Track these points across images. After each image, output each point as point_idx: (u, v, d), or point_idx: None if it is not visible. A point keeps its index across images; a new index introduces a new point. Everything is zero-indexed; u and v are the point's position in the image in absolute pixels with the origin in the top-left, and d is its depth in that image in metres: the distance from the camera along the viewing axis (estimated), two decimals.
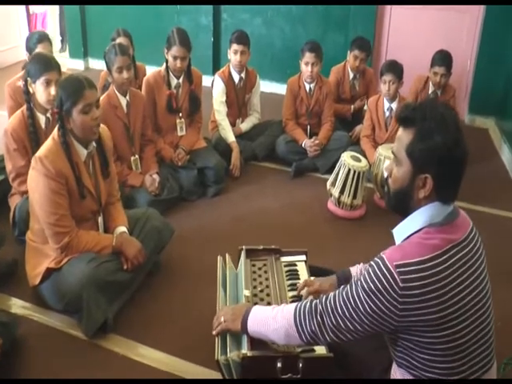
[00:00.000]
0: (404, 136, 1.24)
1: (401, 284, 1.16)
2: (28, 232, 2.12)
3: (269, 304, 1.70)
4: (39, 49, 2.82)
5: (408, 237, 1.26)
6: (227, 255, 1.98)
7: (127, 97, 2.75)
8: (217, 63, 4.82)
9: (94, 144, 2.03)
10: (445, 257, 1.20)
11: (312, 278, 1.81)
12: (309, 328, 1.32)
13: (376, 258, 1.24)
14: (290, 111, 3.42)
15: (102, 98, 2.72)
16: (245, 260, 1.92)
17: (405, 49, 4.29)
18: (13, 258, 2.31)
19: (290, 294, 1.79)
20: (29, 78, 2.30)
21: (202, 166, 3.06)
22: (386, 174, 1.33)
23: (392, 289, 1.17)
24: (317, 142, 3.29)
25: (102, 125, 2.18)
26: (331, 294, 1.32)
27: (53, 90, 2.29)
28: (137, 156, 2.90)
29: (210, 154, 3.13)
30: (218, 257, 1.94)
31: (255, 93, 3.54)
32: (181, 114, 3.08)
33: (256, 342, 1.49)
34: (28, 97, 2.33)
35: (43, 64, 2.29)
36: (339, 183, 2.82)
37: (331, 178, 2.91)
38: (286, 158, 3.38)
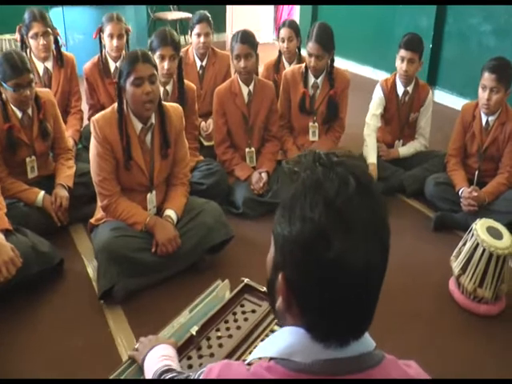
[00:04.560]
0: None
1: None
2: None
3: (211, 356, 1.45)
4: (197, 29, 3.05)
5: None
6: (227, 281, 1.76)
7: (251, 86, 2.71)
8: (433, 73, 4.22)
9: (152, 121, 2.08)
10: None
11: None
12: None
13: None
14: (456, 145, 2.73)
15: (224, 84, 2.77)
16: (236, 294, 1.67)
17: None
18: None
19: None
20: (150, 52, 2.51)
21: None
22: None
23: None
24: (475, 194, 2.52)
25: (174, 104, 2.22)
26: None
27: (166, 65, 2.44)
28: (253, 149, 2.85)
29: None
30: (218, 280, 1.75)
31: (424, 113, 2.96)
32: (315, 118, 2.84)
33: None
34: None
35: (159, 39, 2.48)
36: (463, 258, 2.10)
37: (459, 245, 2.20)
38: (433, 202, 2.74)
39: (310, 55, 2.68)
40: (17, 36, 2.83)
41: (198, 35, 3.08)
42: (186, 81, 2.73)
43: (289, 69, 2.92)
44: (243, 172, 2.79)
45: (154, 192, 2.22)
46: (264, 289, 1.66)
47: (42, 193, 2.41)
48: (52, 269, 2.21)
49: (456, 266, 2.14)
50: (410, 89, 2.90)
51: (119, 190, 2.14)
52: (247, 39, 2.60)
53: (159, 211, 2.25)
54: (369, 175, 0.70)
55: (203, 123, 3.16)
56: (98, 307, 2.08)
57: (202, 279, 2.22)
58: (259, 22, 6.07)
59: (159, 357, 1.26)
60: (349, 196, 0.66)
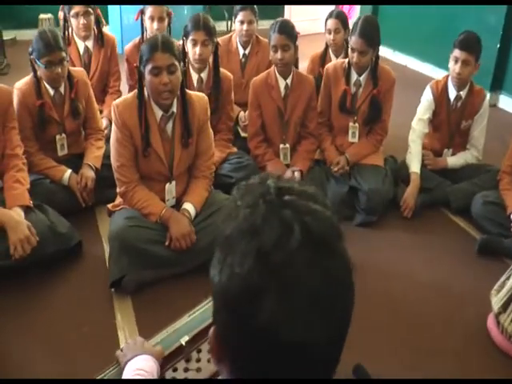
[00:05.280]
0: None
1: None
2: None
3: (198, 371, 1.36)
4: (240, 16, 2.96)
5: None
6: None
7: (288, 80, 2.56)
8: (500, 76, 3.85)
9: (174, 109, 2.00)
10: None
11: None
12: None
13: None
14: (511, 162, 2.44)
15: (261, 75, 2.64)
16: None
17: None
18: None
19: None
20: (184, 38, 2.42)
21: (356, 185, 2.59)
22: None
23: None
24: None
25: (199, 93, 2.13)
26: None
27: (198, 50, 2.36)
28: (287, 145, 2.71)
29: (374, 176, 2.60)
30: None
31: (479, 122, 2.68)
32: (356, 118, 2.64)
33: None
34: (183, 55, 2.47)
35: (192, 24, 2.40)
36: (505, 294, 1.86)
37: (502, 278, 1.95)
38: (479, 222, 2.48)
39: (353, 50, 2.48)
40: (60, 14, 2.84)
41: (241, 22, 2.96)
42: (222, 69, 2.62)
43: (331, 63, 2.73)
44: (276, 168, 2.64)
45: (173, 182, 2.14)
46: None
47: (69, 171, 2.41)
48: (70, 250, 2.20)
49: (496, 302, 1.89)
50: (463, 93, 2.62)
51: (137, 178, 2.08)
52: (285, 30, 2.44)
53: (179, 203, 2.18)
54: (328, 225, 0.55)
55: (242, 113, 3.05)
56: (109, 295, 2.05)
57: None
58: (319, 10, 5.81)
59: (135, 369, 1.20)
60: (289, 250, 0.51)
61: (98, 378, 1.36)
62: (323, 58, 3.08)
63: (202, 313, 1.54)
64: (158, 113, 2.01)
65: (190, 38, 2.42)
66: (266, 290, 0.51)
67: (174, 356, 1.39)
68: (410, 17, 4.80)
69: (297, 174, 2.61)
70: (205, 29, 2.41)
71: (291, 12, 5.74)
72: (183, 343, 1.39)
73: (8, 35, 5.05)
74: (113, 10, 5.06)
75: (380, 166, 2.68)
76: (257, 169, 2.67)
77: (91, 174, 2.42)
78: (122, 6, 4.90)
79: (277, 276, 0.51)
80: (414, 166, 2.64)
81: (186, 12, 5.17)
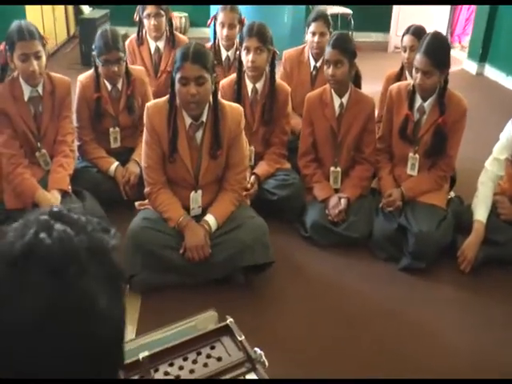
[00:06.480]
0: None
1: None
2: None
3: None
4: (312, 27, 2.90)
5: None
6: (215, 313, 1.57)
7: (344, 98, 2.40)
8: None
9: (203, 119, 1.99)
10: None
11: None
12: None
13: None
14: None
15: (316, 90, 2.51)
16: (212, 332, 1.48)
17: None
18: None
19: None
20: (240, 46, 2.40)
21: (405, 224, 2.33)
22: None
23: None
24: None
25: (234, 105, 2.10)
26: None
27: (250, 57, 2.33)
28: (339, 169, 2.55)
29: (428, 217, 2.31)
30: (214, 311, 1.58)
31: None
32: (417, 148, 2.39)
33: None
34: (239, 64, 2.46)
35: (245, 31, 2.39)
36: None
37: None
38: None
39: (417, 70, 2.22)
40: (136, 15, 2.99)
41: (313, 34, 2.85)
42: (279, 81, 2.56)
43: (395, 84, 2.48)
44: (322, 192, 2.50)
45: (199, 191, 2.12)
46: (242, 337, 1.43)
47: (116, 164, 2.54)
48: None
49: None
50: None
51: (164, 181, 2.10)
52: (340, 44, 2.29)
53: (202, 213, 2.15)
54: (64, 248, 0.52)
55: None
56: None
57: (231, 296, 2.06)
58: (431, 22, 5.39)
59: None
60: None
61: None
62: (398, 78, 2.85)
63: (176, 333, 1.49)
64: (188, 120, 2.01)
65: (244, 45, 2.40)
66: None
67: (128, 369, 1.36)
68: None
69: (343, 202, 2.43)
70: (258, 36, 2.37)
71: (398, 25, 5.41)
72: (140, 358, 1.36)
73: (120, 31, 5.49)
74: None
75: (440, 206, 2.38)
76: (302, 189, 2.55)
77: (136, 169, 2.51)
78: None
79: None
80: (479, 213, 2.30)
81: (285, 20, 5.16)
